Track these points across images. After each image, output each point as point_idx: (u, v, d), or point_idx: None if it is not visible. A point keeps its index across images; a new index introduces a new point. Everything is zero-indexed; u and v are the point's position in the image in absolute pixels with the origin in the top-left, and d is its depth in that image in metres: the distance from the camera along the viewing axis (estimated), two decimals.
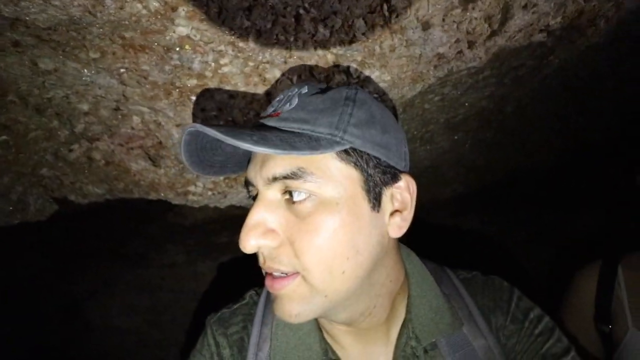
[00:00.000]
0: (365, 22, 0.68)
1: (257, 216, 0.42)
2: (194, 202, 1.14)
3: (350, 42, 0.73)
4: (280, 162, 0.41)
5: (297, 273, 0.42)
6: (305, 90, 0.46)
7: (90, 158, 0.90)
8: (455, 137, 1.37)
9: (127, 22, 0.55)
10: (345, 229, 0.42)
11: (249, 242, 0.41)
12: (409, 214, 0.47)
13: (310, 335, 0.51)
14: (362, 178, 0.44)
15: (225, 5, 0.57)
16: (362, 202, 0.44)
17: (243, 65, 0.71)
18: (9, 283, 1.62)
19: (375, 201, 0.44)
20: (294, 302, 0.42)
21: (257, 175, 0.43)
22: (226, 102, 0.78)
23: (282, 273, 0.43)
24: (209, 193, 1.12)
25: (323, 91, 0.46)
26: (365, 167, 0.44)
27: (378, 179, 0.45)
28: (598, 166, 1.78)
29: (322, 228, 0.41)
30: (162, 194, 1.07)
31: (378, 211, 0.45)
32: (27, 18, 0.53)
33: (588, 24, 0.88)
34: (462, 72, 0.88)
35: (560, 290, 0.93)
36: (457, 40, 0.78)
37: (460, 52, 0.80)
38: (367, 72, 0.81)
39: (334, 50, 0.74)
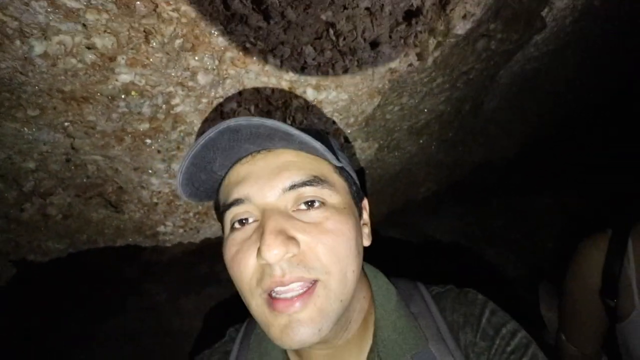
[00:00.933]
0: (314, 48, 0.69)
1: (277, 225, 0.42)
2: (165, 242, 1.10)
3: (302, 68, 0.73)
4: (297, 171, 0.45)
5: (314, 283, 0.43)
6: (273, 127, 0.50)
7: (45, 215, 0.85)
8: (421, 141, 1.40)
9: (63, 77, 0.53)
10: (352, 232, 0.46)
11: (272, 251, 0.40)
12: (369, 227, 0.54)
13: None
14: (351, 192, 0.51)
15: (167, 48, 0.55)
16: (354, 211, 0.50)
17: (196, 103, 0.69)
18: None
19: (358, 212, 0.51)
20: (316, 319, 0.41)
21: (265, 188, 0.44)
22: (181, 141, 0.76)
23: (299, 289, 0.42)
24: (180, 231, 1.08)
25: (290, 125, 0.51)
26: (352, 183, 0.51)
27: (357, 195, 0.52)
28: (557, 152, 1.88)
29: (339, 231, 0.44)
30: (130, 239, 1.03)
31: (359, 220, 0.51)
32: None
33: (525, 25, 0.93)
34: (415, 82, 0.90)
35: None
36: (407, 54, 0.80)
37: (410, 64, 0.82)
38: (324, 94, 0.82)
39: (287, 77, 0.74)
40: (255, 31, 0.59)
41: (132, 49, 0.53)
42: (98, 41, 0.51)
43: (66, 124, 0.63)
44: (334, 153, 0.51)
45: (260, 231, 0.43)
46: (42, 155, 0.70)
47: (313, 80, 0.77)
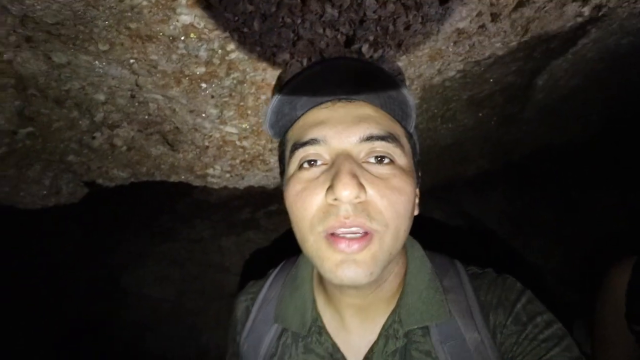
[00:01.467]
0: (377, 0, 0.64)
1: (351, 168, 0.44)
2: (213, 184, 1.17)
3: (361, 21, 0.69)
4: (376, 125, 0.47)
5: (373, 233, 0.45)
6: (360, 68, 0.51)
7: (112, 145, 0.94)
8: (480, 114, 1.30)
9: (129, 14, 0.55)
10: (412, 195, 0.48)
11: (346, 190, 0.42)
12: (418, 198, 0.54)
13: (307, 304, 0.57)
14: (414, 158, 0.52)
15: None
16: (416, 177, 0.51)
17: (250, 51, 0.69)
18: (53, 259, 1.77)
19: (419, 180, 0.53)
20: (369, 263, 0.44)
21: (343, 133, 0.46)
22: (234, 88, 0.77)
23: (361, 231, 0.44)
24: (227, 175, 1.14)
25: (379, 71, 0.51)
26: (416, 152, 0.53)
27: (418, 163, 0.53)
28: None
29: (403, 190, 0.46)
30: (183, 177, 1.11)
31: (417, 186, 0.52)
32: (34, 15, 0.53)
33: None
34: (484, 47, 0.81)
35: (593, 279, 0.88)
36: (479, 14, 0.71)
37: (482, 26, 0.74)
38: (379, 52, 0.77)
39: (344, 30, 0.70)
40: None
41: None
42: None
43: (132, 60, 0.66)
44: (410, 116, 0.52)
45: (332, 173, 0.45)
46: (110, 89, 0.75)
47: (371, 35, 0.73)
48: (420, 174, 0.56)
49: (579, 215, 1.94)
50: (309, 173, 0.48)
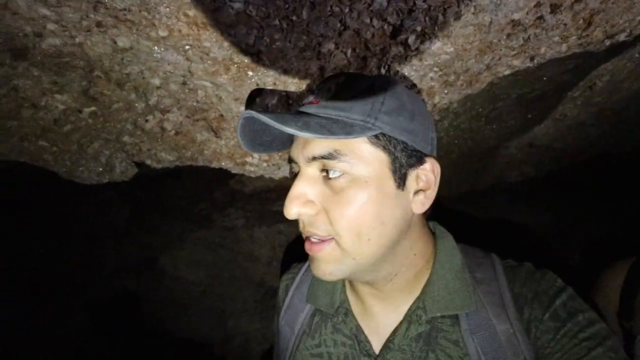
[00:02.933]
0: None
1: (299, 189, 0.48)
2: (250, 172, 1.21)
3: (410, 11, 0.68)
4: (319, 144, 0.47)
5: (331, 238, 0.49)
6: (342, 80, 0.51)
7: (162, 128, 1.00)
8: (529, 116, 1.23)
9: (189, 1, 0.58)
10: (372, 203, 0.47)
11: (292, 209, 0.47)
12: (432, 193, 0.51)
13: (336, 287, 0.60)
14: (389, 160, 0.49)
15: None
16: (389, 181, 0.49)
17: (297, 40, 0.71)
18: (100, 234, 1.91)
19: (400, 181, 0.49)
20: (329, 264, 0.49)
21: (300, 154, 0.49)
22: (281, 77, 0.79)
23: (318, 238, 0.49)
24: (264, 164, 1.17)
25: (358, 81, 0.51)
26: (393, 150, 0.49)
27: (404, 161, 0.49)
28: None
29: (353, 201, 0.47)
30: (223, 163, 1.16)
31: (403, 189, 0.50)
32: (106, 1, 0.58)
33: None
34: (540, 40, 0.77)
35: None
36: (538, 4, 0.68)
37: (540, 17, 0.70)
38: (427, 44, 0.76)
39: (391, 20, 0.70)
40: None
41: None
42: None
43: (187, 47, 0.70)
44: (374, 118, 0.47)
45: None
46: (165, 74, 0.80)
47: (419, 26, 0.72)
48: (417, 169, 0.51)
49: (634, 231, 1.77)
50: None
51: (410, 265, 0.55)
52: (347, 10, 0.67)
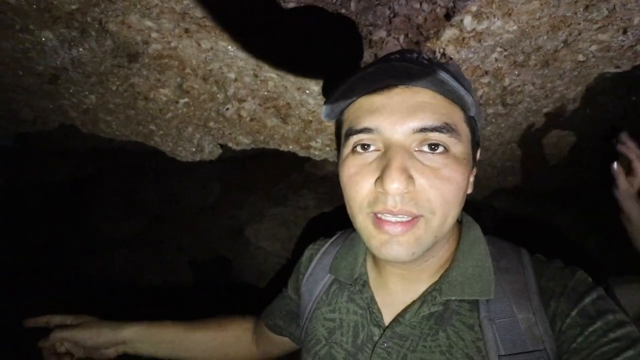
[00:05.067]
0: None
1: (401, 163, 0.46)
2: (315, 155, 1.30)
3: None
4: (431, 115, 0.47)
5: (419, 217, 0.47)
6: (419, 55, 0.52)
7: (240, 115, 1.16)
8: (634, 98, 1.04)
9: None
10: (464, 182, 0.49)
11: (394, 185, 0.45)
12: (474, 176, 0.54)
13: (357, 261, 0.63)
14: (472, 141, 0.52)
15: None
16: (471, 162, 0.52)
17: (347, 31, 0.75)
18: (198, 204, 2.27)
19: (474, 163, 0.53)
20: (412, 243, 0.47)
21: (397, 124, 0.47)
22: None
23: (407, 217, 0.47)
24: (327, 148, 1.25)
25: (434, 62, 0.52)
26: (476, 133, 0.52)
27: (476, 144, 0.53)
28: None
29: (453, 179, 0.47)
30: (290, 147, 1.28)
31: (472, 170, 0.53)
32: (190, 12, 0.72)
33: None
34: (631, 9, 0.66)
35: None
36: None
37: None
38: (485, 24, 0.72)
39: (443, 3, 0.69)
40: None
41: None
42: None
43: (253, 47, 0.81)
44: (472, 97, 0.50)
45: (384, 163, 0.47)
46: (239, 69, 0.94)
47: (473, 6, 0.69)
48: (478, 154, 0.56)
49: None
50: (362, 158, 0.50)
51: (443, 250, 0.56)
52: None
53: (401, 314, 0.55)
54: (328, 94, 0.54)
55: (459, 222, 0.60)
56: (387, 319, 0.56)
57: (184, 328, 0.81)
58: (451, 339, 0.50)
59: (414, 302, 0.55)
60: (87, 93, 0.98)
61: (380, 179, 0.46)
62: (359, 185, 0.49)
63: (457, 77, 0.51)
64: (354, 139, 0.51)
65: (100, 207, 2.03)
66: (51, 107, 1.10)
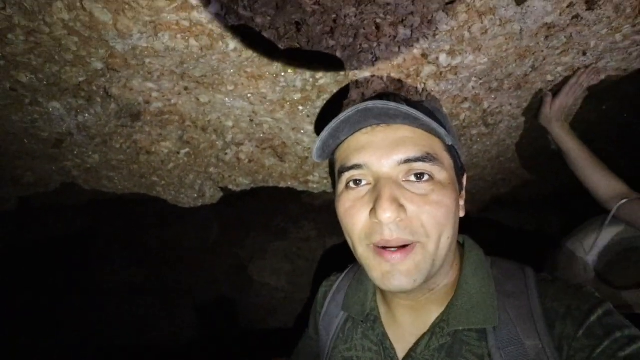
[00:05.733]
0: (446, 13, 0.68)
1: (391, 193, 0.48)
2: (314, 189, 1.34)
3: (434, 35, 0.73)
4: (413, 147, 0.51)
5: (416, 243, 0.49)
6: (396, 96, 0.58)
7: (238, 158, 1.20)
8: (604, 107, 1.12)
9: (246, 63, 0.74)
10: (453, 205, 0.51)
11: (386, 214, 0.47)
12: (464, 200, 0.57)
13: (367, 296, 0.64)
14: (455, 168, 0.56)
15: (311, 34, 0.68)
16: (456, 186, 0.55)
17: (335, 76, 0.82)
18: (198, 247, 2.26)
19: (459, 186, 0.56)
20: (411, 271, 0.49)
21: (383, 159, 0.50)
22: (325, 107, 0.91)
23: (402, 244, 0.49)
24: (325, 181, 1.30)
25: (407, 100, 0.57)
26: (457, 160, 0.56)
27: (459, 170, 0.57)
28: None
29: (442, 203, 0.50)
30: (289, 183, 1.32)
31: (459, 194, 0.56)
32: (189, 72, 0.78)
33: None
34: (586, 36, 0.74)
35: None
36: (570, 4, 0.67)
37: (576, 16, 0.68)
38: (458, 59, 0.79)
39: (418, 46, 0.76)
40: (384, 7, 0.65)
41: (286, 39, 0.70)
42: None
43: (249, 95, 0.87)
44: (448, 131, 0.55)
45: (375, 195, 0.50)
46: (236, 117, 0.99)
47: (447, 46, 0.76)
48: (463, 178, 0.59)
49: None
50: (355, 192, 0.53)
51: (446, 276, 0.56)
52: (375, 44, 0.75)
53: (413, 349, 0.55)
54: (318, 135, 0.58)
55: (462, 246, 0.61)
56: (401, 353, 0.56)
57: None
58: None
59: (424, 335, 0.55)
60: (90, 153, 1.02)
61: (373, 210, 0.49)
62: (355, 218, 0.52)
63: (433, 111, 0.56)
64: (346, 175, 0.54)
65: (102, 257, 2.01)
66: (54, 169, 1.13)
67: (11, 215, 1.45)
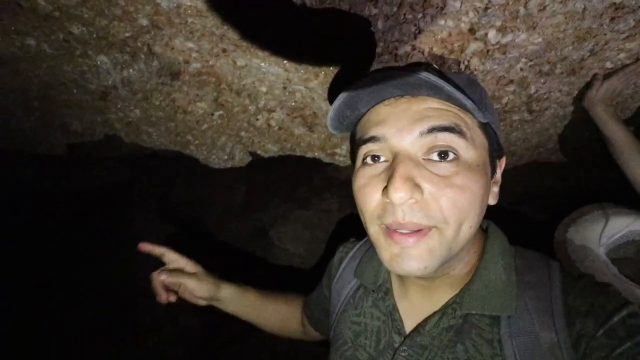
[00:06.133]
0: None
1: (406, 171, 0.45)
2: (340, 162, 1.35)
3: (486, 8, 0.69)
4: (439, 117, 0.46)
5: (432, 228, 0.46)
6: (432, 67, 0.53)
7: (269, 125, 1.22)
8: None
9: None
10: (480, 190, 0.47)
11: (398, 194, 0.43)
12: (498, 186, 0.54)
13: (381, 267, 0.64)
14: (490, 149, 0.51)
15: (353, 0, 0.66)
16: (488, 169, 0.50)
17: (375, 47, 0.79)
18: (226, 208, 2.36)
19: (492, 170, 0.52)
20: (424, 256, 0.45)
21: (404, 131, 0.46)
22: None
23: (416, 228, 0.45)
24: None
25: (447, 72, 0.52)
26: (493, 141, 0.52)
27: (495, 152, 0.52)
28: None
29: (466, 187, 0.45)
30: (316, 154, 1.33)
31: (491, 179, 0.52)
32: (228, 34, 0.79)
33: None
34: None
35: None
36: None
37: None
38: (509, 37, 0.74)
39: (467, 19, 0.72)
40: None
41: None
42: None
43: (284, 61, 0.87)
44: (484, 107, 0.51)
45: (390, 172, 0.46)
46: (270, 83, 1.00)
47: (497, 21, 0.71)
48: (499, 161, 0.55)
49: None
50: (372, 169, 0.49)
51: (467, 262, 0.54)
52: (420, 16, 0.72)
53: (421, 324, 0.55)
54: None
55: (485, 232, 0.58)
56: (408, 327, 0.56)
57: (262, 297, 0.89)
58: (469, 352, 0.49)
59: (434, 313, 0.54)
60: (132, 108, 1.07)
61: (386, 189, 0.45)
62: (368, 197, 0.48)
63: (470, 84, 0.51)
64: (364, 149, 0.51)
65: (138, 208, 2.16)
66: (99, 120, 1.20)
67: (60, 161, 1.57)
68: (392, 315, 0.59)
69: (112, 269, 1.98)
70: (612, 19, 0.68)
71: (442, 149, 0.46)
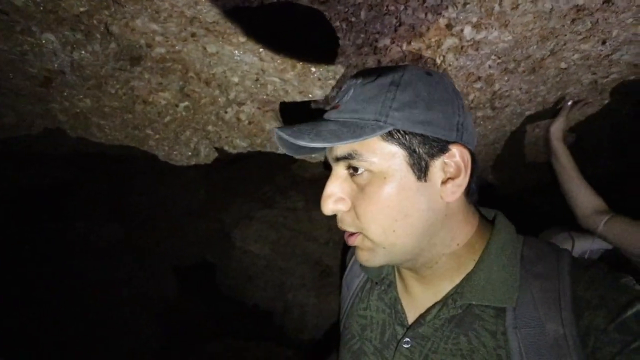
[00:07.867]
0: None
1: (331, 188, 0.52)
2: (312, 158, 1.32)
3: (465, 4, 0.71)
4: (340, 146, 0.51)
5: (359, 233, 0.52)
6: (360, 80, 0.52)
7: (238, 118, 1.16)
8: (606, 102, 1.14)
9: None
10: (392, 197, 0.49)
11: (327, 207, 0.51)
12: (462, 180, 0.50)
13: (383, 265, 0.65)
14: (406, 154, 0.49)
15: None
16: (408, 174, 0.49)
17: (355, 38, 0.78)
18: (184, 209, 2.22)
19: (421, 173, 0.50)
20: (364, 252, 0.52)
21: (329, 155, 0.53)
22: (340, 71, 0.88)
23: (349, 232, 0.53)
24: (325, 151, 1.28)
25: (374, 79, 0.51)
26: (409, 144, 0.49)
27: (423, 152, 0.49)
28: None
29: (375, 196, 0.49)
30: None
31: (425, 181, 0.50)
32: (200, 16, 0.72)
33: None
34: (611, 24, 0.74)
35: None
36: None
37: (607, 1, 0.67)
38: (483, 34, 0.78)
39: (446, 14, 0.74)
40: None
41: None
42: None
43: (260, 50, 0.83)
44: (385, 114, 0.49)
45: None
46: (242, 73, 0.94)
47: (474, 17, 0.74)
48: (439, 158, 0.50)
49: None
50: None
51: (453, 255, 0.54)
52: (402, 8, 0.72)
53: (423, 315, 0.55)
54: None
55: (491, 222, 0.58)
56: (411, 318, 0.57)
57: None
58: (472, 343, 0.49)
59: (435, 304, 0.55)
60: (82, 96, 0.95)
61: None
62: None
63: (374, 95, 0.50)
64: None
65: (82, 212, 1.94)
66: (38, 111, 1.05)
67: None
68: (395, 307, 0.59)
69: (41, 285, 1.75)
70: (573, 20, 0.73)
71: (353, 165, 0.51)
